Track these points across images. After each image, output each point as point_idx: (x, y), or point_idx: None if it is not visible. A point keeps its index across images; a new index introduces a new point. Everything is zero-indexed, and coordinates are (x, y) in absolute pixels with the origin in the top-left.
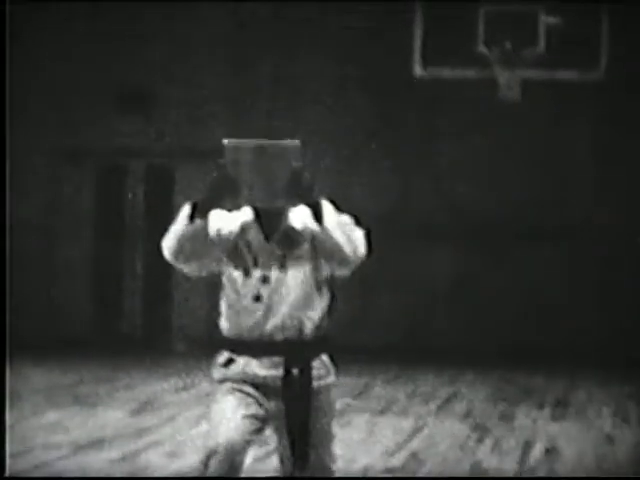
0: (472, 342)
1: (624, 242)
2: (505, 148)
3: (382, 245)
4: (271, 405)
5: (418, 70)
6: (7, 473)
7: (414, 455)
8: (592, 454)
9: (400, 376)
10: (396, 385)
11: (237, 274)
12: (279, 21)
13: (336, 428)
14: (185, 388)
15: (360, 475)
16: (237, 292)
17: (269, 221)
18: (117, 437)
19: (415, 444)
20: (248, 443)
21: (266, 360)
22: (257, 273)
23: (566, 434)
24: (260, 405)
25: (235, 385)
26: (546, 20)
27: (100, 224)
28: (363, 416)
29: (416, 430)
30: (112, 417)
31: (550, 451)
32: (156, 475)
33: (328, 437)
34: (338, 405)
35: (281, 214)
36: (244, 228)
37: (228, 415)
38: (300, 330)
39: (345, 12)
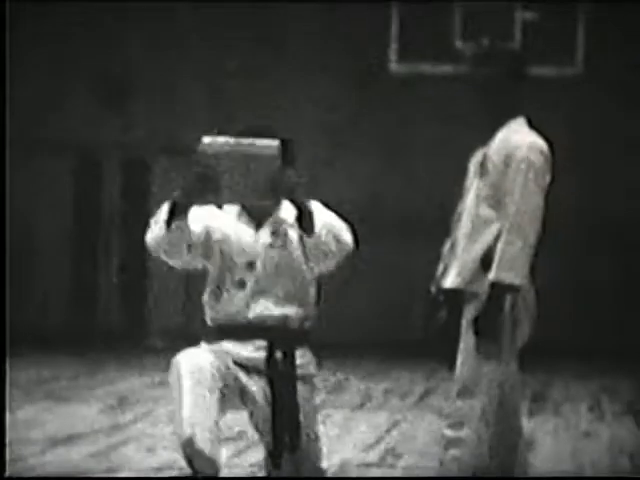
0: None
1: (598, 235)
2: (483, 142)
3: (359, 240)
4: (253, 385)
5: (394, 66)
6: (7, 473)
7: (391, 450)
8: (569, 449)
9: (376, 371)
10: (372, 380)
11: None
12: (258, 17)
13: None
14: (162, 383)
15: (336, 470)
16: (222, 277)
17: (257, 210)
18: (93, 432)
19: (392, 439)
20: (221, 400)
21: (249, 343)
22: (243, 259)
23: (543, 429)
24: (238, 375)
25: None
26: (522, 16)
27: (76, 218)
28: (339, 411)
29: (393, 425)
30: (88, 412)
31: (527, 445)
32: (133, 470)
33: (314, 429)
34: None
35: (270, 205)
36: (227, 222)
37: (202, 370)
38: (285, 318)
39: (324, 7)
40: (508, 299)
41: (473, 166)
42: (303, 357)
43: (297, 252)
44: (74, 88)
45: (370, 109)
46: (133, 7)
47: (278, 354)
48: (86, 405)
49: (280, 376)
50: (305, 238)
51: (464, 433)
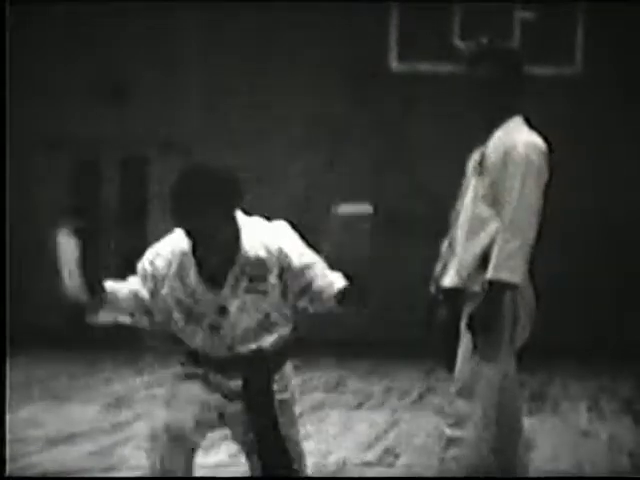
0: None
1: (598, 234)
2: (482, 141)
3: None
4: (231, 407)
5: (394, 64)
6: (7, 473)
7: (390, 449)
8: (568, 448)
9: (375, 370)
10: (371, 379)
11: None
12: (258, 15)
13: (310, 427)
14: (159, 383)
15: (335, 469)
16: (192, 322)
17: (223, 257)
18: (93, 432)
19: (390, 438)
20: (198, 428)
21: (224, 373)
22: (214, 304)
23: (542, 428)
24: (216, 398)
25: (192, 379)
26: (521, 15)
27: (75, 217)
28: (338, 410)
29: (392, 424)
30: (88, 412)
31: (526, 444)
32: (132, 469)
33: (298, 450)
34: (313, 399)
35: (231, 244)
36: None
37: (178, 397)
38: (259, 351)
39: (324, 6)
40: (506, 297)
41: (471, 165)
42: (280, 380)
43: (274, 292)
44: (73, 86)
45: (370, 108)
46: (133, 5)
47: (254, 384)
48: (86, 404)
49: (258, 404)
50: (288, 273)
51: (464, 433)
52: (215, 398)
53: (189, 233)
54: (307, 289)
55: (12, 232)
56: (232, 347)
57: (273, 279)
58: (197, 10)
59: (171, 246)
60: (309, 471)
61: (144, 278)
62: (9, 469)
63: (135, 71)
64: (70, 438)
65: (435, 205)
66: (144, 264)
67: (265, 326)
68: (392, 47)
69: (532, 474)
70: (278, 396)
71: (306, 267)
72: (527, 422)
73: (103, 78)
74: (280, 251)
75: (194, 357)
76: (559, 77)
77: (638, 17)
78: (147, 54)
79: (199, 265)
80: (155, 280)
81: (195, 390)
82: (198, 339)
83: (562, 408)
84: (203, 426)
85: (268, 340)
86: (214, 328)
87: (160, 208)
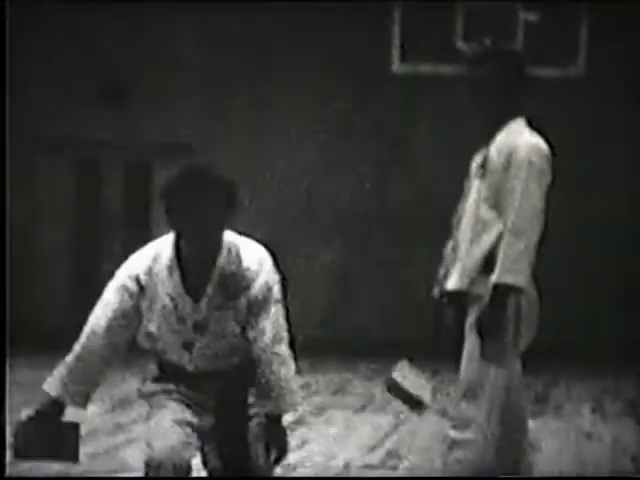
0: (452, 338)
1: (600, 236)
2: (484, 143)
3: (359, 241)
4: (204, 420)
5: (396, 66)
6: (7, 473)
7: (393, 451)
8: (571, 450)
9: (378, 373)
10: (374, 382)
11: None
12: (258, 16)
13: (313, 430)
14: None
15: (339, 471)
16: (167, 338)
17: (201, 271)
18: (94, 433)
19: (394, 441)
20: (188, 448)
21: (198, 388)
22: (189, 320)
23: (546, 430)
24: (195, 412)
25: (167, 396)
26: (524, 17)
27: (77, 218)
28: (341, 413)
29: (395, 427)
30: (89, 413)
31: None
32: (134, 471)
33: (266, 463)
34: (316, 402)
35: (215, 255)
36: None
37: (163, 423)
38: (234, 367)
39: (325, 7)
40: (510, 299)
41: (474, 167)
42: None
43: (244, 312)
44: (75, 88)
45: (372, 109)
46: (134, 7)
47: (228, 399)
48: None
49: (230, 417)
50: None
51: (469, 435)
52: (190, 414)
53: (179, 236)
54: (251, 326)
55: (12, 232)
56: (206, 364)
57: (244, 299)
58: (197, 11)
59: (153, 256)
60: (311, 472)
61: (125, 294)
62: (9, 471)
63: (136, 72)
64: None
65: (437, 206)
66: (125, 281)
67: (241, 343)
68: (394, 48)
69: (535, 475)
70: (252, 410)
71: (264, 309)
72: (531, 424)
73: (104, 79)
74: (256, 274)
75: (167, 371)
76: (562, 79)
77: None
78: (148, 55)
79: (183, 275)
80: (138, 295)
81: (176, 414)
82: (172, 353)
83: (566, 410)
84: (192, 446)
85: (240, 357)
86: (189, 343)
87: (162, 211)
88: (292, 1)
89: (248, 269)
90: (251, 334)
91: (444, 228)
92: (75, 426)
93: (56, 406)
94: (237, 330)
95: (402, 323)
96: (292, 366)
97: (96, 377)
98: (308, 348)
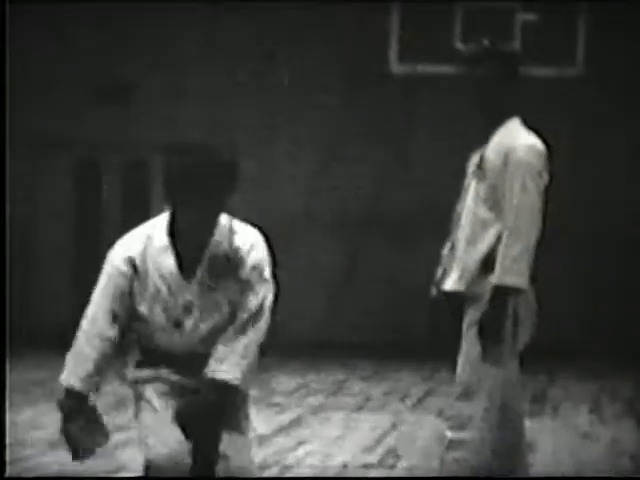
0: (449, 339)
1: (599, 236)
2: (482, 144)
3: (358, 241)
4: (182, 403)
5: (395, 66)
6: (7, 473)
7: (391, 451)
8: (569, 450)
9: (376, 373)
10: (372, 382)
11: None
12: (258, 16)
13: (311, 430)
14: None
15: (336, 472)
16: (157, 317)
17: (194, 250)
18: None
19: (392, 440)
20: (185, 447)
21: (180, 371)
22: (180, 301)
23: (543, 430)
24: (178, 394)
25: (151, 388)
26: (523, 17)
27: (76, 218)
28: (340, 413)
29: (392, 426)
30: None
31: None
32: (133, 471)
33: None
34: (314, 402)
35: (209, 235)
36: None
37: (157, 425)
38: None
39: (324, 7)
40: (511, 301)
41: (471, 167)
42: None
43: (236, 293)
44: (75, 88)
45: (370, 110)
46: (135, 6)
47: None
48: None
49: (213, 404)
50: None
51: (466, 435)
52: (173, 403)
53: (174, 216)
54: (240, 306)
55: (12, 233)
56: (196, 345)
57: (235, 280)
58: (198, 11)
59: (146, 236)
60: (309, 472)
61: (121, 277)
62: (9, 471)
63: (136, 72)
64: None
65: (436, 206)
66: (120, 265)
67: (224, 325)
68: (392, 48)
69: (532, 476)
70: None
71: (251, 287)
72: (528, 424)
73: (105, 79)
74: (247, 254)
75: (152, 355)
76: (560, 79)
77: (639, 18)
78: (149, 55)
79: (177, 255)
80: (132, 277)
81: (164, 410)
82: (162, 333)
83: (563, 410)
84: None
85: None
86: (178, 324)
87: (161, 207)
88: (292, 1)
89: (240, 249)
90: (240, 315)
91: (443, 228)
92: (94, 407)
93: (82, 397)
94: (227, 310)
95: (401, 323)
96: (254, 347)
97: (108, 358)
98: (307, 348)
